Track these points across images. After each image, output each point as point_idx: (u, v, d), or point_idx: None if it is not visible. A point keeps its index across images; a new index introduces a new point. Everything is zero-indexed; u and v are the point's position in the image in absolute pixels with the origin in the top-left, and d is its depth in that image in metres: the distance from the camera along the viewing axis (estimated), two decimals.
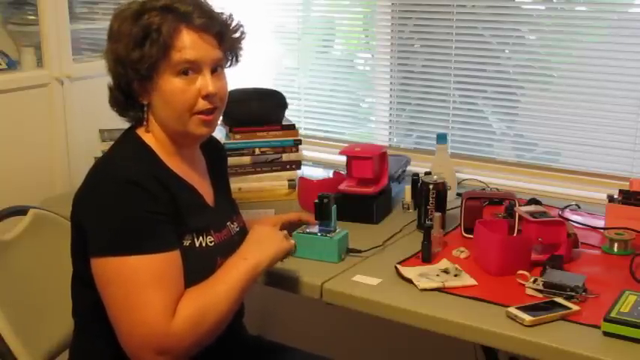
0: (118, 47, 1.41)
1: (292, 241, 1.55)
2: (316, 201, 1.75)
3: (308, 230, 1.73)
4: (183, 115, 1.43)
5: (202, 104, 1.43)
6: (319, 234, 1.70)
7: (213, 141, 1.67)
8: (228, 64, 1.54)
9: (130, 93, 1.45)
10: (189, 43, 1.41)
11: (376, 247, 1.78)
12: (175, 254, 1.37)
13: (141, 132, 1.48)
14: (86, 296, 1.45)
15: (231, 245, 1.52)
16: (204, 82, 1.42)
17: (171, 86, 1.41)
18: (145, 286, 1.31)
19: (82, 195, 1.41)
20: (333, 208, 1.74)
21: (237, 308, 1.43)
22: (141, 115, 1.47)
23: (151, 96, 1.44)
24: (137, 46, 1.39)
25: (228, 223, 1.56)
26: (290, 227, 1.76)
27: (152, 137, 1.47)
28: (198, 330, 1.34)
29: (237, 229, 1.59)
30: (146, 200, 1.34)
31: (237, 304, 1.41)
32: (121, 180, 1.34)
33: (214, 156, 1.64)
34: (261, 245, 1.48)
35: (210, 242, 1.46)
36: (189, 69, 1.41)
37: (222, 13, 1.50)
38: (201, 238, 1.44)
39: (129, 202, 1.33)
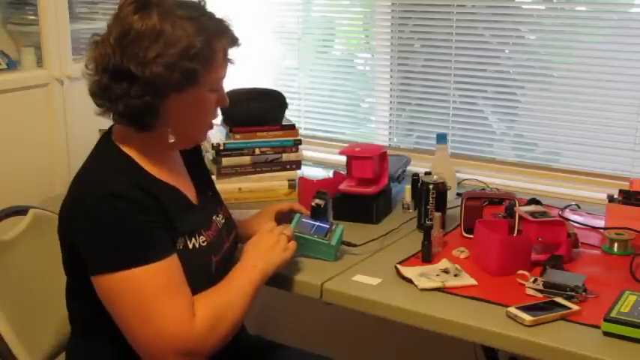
0: (173, 52, 1.35)
1: (292, 248, 1.57)
2: (313, 204, 1.77)
3: (304, 223, 1.72)
4: (205, 125, 1.50)
5: (216, 114, 1.51)
6: (316, 236, 1.70)
7: None
8: None
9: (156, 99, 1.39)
10: (224, 62, 1.46)
11: (372, 240, 1.79)
12: (175, 258, 1.37)
13: (118, 140, 1.45)
14: (78, 308, 1.47)
15: (220, 240, 1.53)
16: (223, 95, 1.49)
17: (206, 99, 1.45)
18: (157, 295, 1.31)
19: (69, 213, 1.39)
20: (330, 204, 1.78)
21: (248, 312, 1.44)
22: (154, 121, 1.40)
23: (175, 105, 1.40)
24: (190, 57, 1.36)
25: (214, 217, 1.56)
26: (282, 217, 1.76)
27: (133, 145, 1.43)
28: (217, 331, 1.36)
29: (223, 221, 1.59)
30: (135, 211, 1.33)
31: (249, 309, 1.44)
32: (106, 195, 1.32)
33: (188, 151, 1.61)
34: (267, 254, 1.52)
35: (203, 242, 1.47)
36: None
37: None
38: (193, 239, 1.45)
39: (119, 217, 1.32)
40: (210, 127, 1.53)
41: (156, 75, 1.34)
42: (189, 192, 1.54)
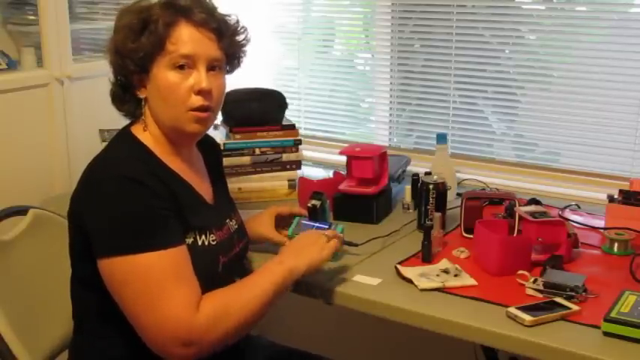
0: (117, 38, 1.43)
1: (332, 247, 1.55)
2: (309, 205, 1.77)
3: (303, 225, 1.73)
4: (176, 110, 1.42)
5: (195, 100, 1.42)
6: None
7: (208, 139, 1.67)
8: (229, 67, 1.54)
9: (128, 86, 1.47)
10: (185, 37, 1.41)
11: (374, 238, 1.79)
12: (184, 249, 1.38)
13: (136, 131, 1.48)
14: (86, 297, 1.45)
15: (230, 243, 1.53)
16: (199, 77, 1.42)
17: (166, 79, 1.41)
18: (163, 282, 1.31)
19: (81, 196, 1.40)
20: (327, 204, 1.79)
21: (267, 310, 1.42)
22: (136, 109, 1.47)
23: (147, 90, 1.45)
24: (135, 38, 1.40)
25: (227, 221, 1.57)
26: (282, 220, 1.77)
27: (148, 136, 1.47)
28: (220, 325, 1.34)
29: (236, 227, 1.60)
30: (148, 196, 1.34)
31: (267, 306, 1.41)
32: (120, 178, 1.34)
33: (210, 154, 1.65)
34: (300, 252, 1.51)
35: (213, 241, 1.47)
36: (185, 64, 1.41)
37: (227, 15, 1.50)
38: (203, 236, 1.45)
39: (132, 200, 1.33)
40: (191, 113, 1.43)
41: (112, 62, 1.45)
42: (205, 192, 1.54)
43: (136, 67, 1.42)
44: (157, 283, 1.31)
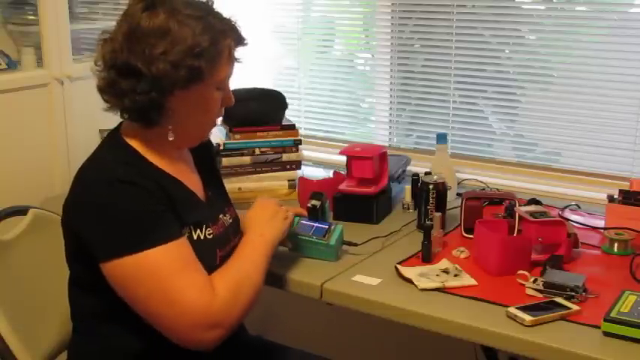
0: (176, 49, 1.36)
1: (292, 217, 1.66)
2: (309, 205, 1.78)
3: (303, 225, 1.73)
4: (211, 123, 1.52)
5: (220, 113, 1.52)
6: (315, 237, 1.70)
7: None
8: None
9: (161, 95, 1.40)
10: (230, 60, 1.47)
11: (374, 238, 1.80)
12: (185, 239, 1.39)
13: (126, 134, 1.47)
14: (83, 299, 1.46)
15: (226, 237, 1.54)
16: (229, 94, 1.51)
17: (211, 97, 1.46)
18: (173, 274, 1.32)
19: (75, 201, 1.40)
20: (326, 204, 1.80)
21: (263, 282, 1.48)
22: (159, 117, 1.42)
23: (180, 102, 1.41)
24: (196, 55, 1.37)
25: (220, 216, 1.57)
26: None
27: (138, 138, 1.45)
28: (239, 301, 1.38)
29: (230, 221, 1.60)
30: (143, 196, 1.35)
31: (264, 278, 1.47)
32: (114, 180, 1.34)
33: (201, 151, 1.63)
34: (271, 223, 1.57)
35: (209, 234, 1.48)
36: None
37: None
38: (199, 230, 1.45)
39: (128, 200, 1.33)
40: (214, 125, 1.55)
41: (161, 72, 1.36)
42: (197, 189, 1.55)
43: (184, 82, 1.39)
44: (168, 276, 1.32)
